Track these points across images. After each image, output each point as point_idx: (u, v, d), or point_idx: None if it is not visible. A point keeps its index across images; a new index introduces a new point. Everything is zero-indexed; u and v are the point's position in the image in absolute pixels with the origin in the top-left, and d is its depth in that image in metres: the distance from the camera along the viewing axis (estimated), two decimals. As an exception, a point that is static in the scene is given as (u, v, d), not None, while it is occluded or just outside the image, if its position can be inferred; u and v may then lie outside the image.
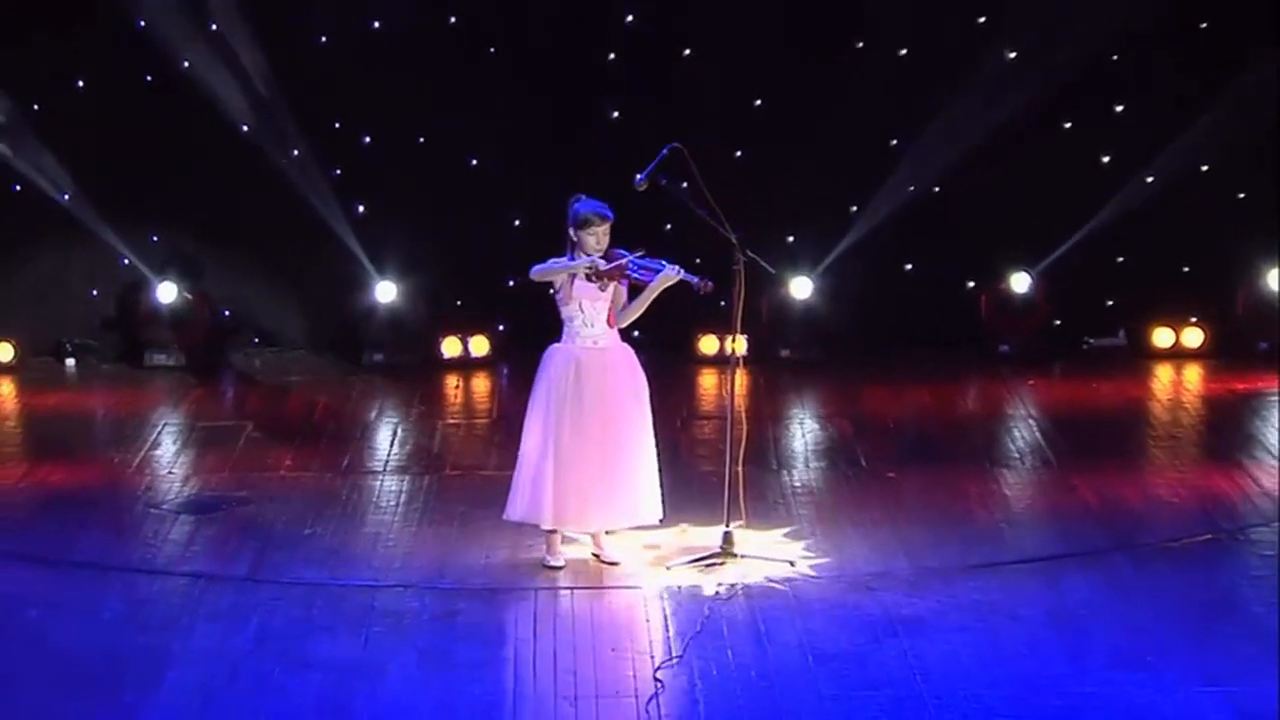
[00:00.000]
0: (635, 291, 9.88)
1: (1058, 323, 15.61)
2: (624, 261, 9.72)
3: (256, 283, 15.67)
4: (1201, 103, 14.96)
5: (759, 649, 8.78)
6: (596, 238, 9.78)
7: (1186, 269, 15.46)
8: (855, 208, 15.30)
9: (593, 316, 9.85)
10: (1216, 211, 15.19)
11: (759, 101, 15.23)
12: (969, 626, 9.01)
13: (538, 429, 9.90)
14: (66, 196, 15.17)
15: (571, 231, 9.82)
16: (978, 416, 13.80)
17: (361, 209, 15.36)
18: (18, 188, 15.19)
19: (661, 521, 10.14)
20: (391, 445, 12.95)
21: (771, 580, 9.73)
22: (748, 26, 14.99)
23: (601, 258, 9.71)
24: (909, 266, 15.58)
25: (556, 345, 9.97)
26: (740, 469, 10.09)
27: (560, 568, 9.96)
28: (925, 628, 8.99)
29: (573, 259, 9.78)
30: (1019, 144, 15.06)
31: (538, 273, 9.80)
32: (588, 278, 9.73)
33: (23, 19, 14.78)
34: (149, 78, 15.01)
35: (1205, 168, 15.20)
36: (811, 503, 11.33)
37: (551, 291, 9.88)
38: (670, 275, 9.71)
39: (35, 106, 15.11)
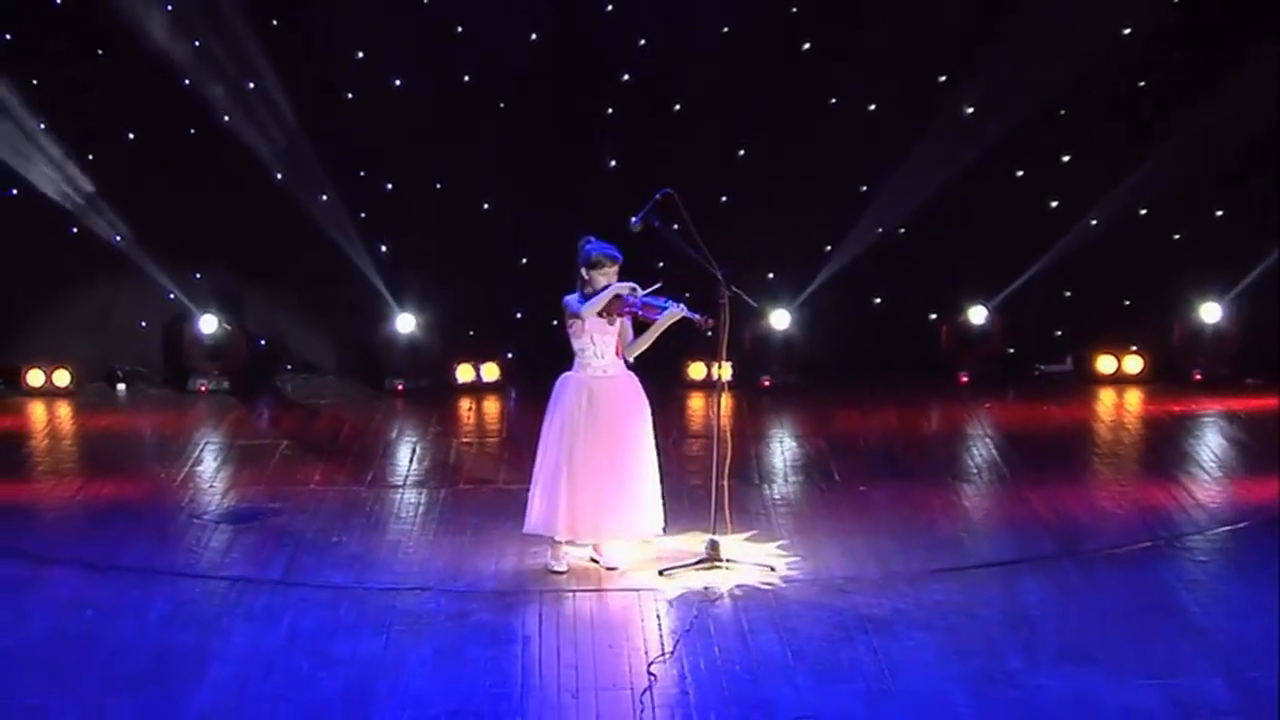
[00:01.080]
0: (640, 326, 9.90)
1: (1011, 351, 15.60)
2: (638, 298, 9.74)
3: (289, 315, 15.68)
4: (1140, 153, 14.98)
5: (742, 645, 8.77)
6: (607, 277, 9.80)
7: (1127, 302, 15.45)
8: (829, 247, 15.30)
9: (603, 348, 9.88)
10: (1154, 251, 15.20)
11: (742, 151, 15.23)
12: (932, 625, 9.01)
13: (553, 450, 9.90)
14: (119, 238, 15.18)
15: (584, 271, 9.83)
16: (940, 436, 13.78)
17: (383, 248, 15.36)
18: (75, 230, 15.20)
19: (664, 532, 10.16)
20: (411, 462, 12.93)
21: (753, 585, 9.72)
22: (732, 85, 15.01)
23: (629, 293, 9.73)
24: (877, 300, 15.58)
25: (569, 374, 9.97)
26: (725, 483, 10.07)
27: (563, 572, 9.95)
28: (893, 626, 8.98)
29: (584, 296, 9.79)
30: (976, 190, 15.06)
31: (588, 308, 9.76)
32: (599, 312, 9.74)
33: (83, 82, 14.85)
34: (192, 131, 15.02)
35: (1144, 211, 15.21)
36: (790, 514, 11.31)
37: (568, 325, 9.88)
38: (676, 313, 9.73)
39: (90, 157, 15.13)
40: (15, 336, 15.40)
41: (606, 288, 9.76)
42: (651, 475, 10.00)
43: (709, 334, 9.77)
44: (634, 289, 9.74)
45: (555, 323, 9.77)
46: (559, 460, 9.86)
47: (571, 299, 9.84)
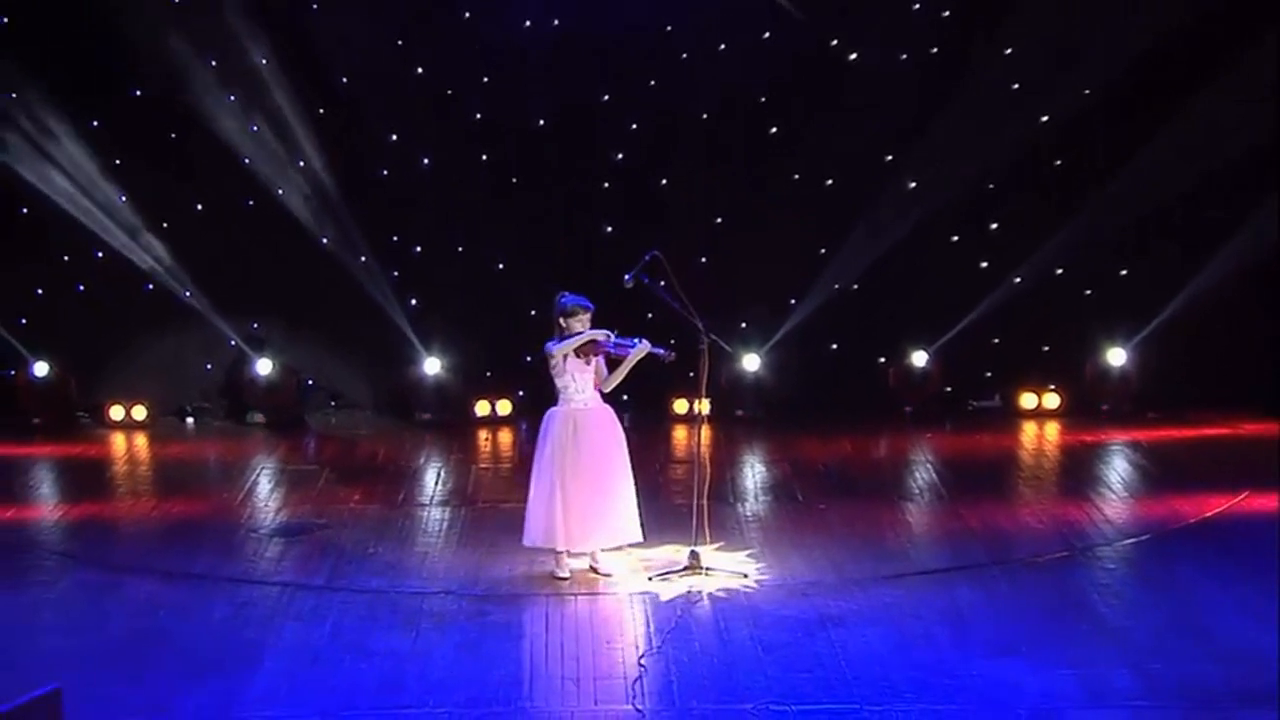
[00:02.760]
0: (614, 364, 9.91)
1: (948, 389, 15.61)
2: (610, 338, 9.77)
3: (332, 358, 15.67)
4: (1057, 222, 15.05)
5: (720, 641, 8.75)
6: (582, 323, 9.83)
7: (1046, 348, 15.47)
8: (794, 300, 15.33)
9: (583, 384, 9.87)
10: (1068, 305, 15.24)
11: (720, 219, 15.27)
12: (880, 622, 8.99)
13: (546, 474, 9.87)
14: (188, 294, 15.19)
15: (560, 320, 9.86)
16: (887, 461, 13.76)
17: (413, 302, 15.38)
18: (150, 286, 15.21)
19: (645, 541, 10.13)
20: (436, 484, 12.91)
21: (729, 588, 9.71)
22: (710, 163, 15.08)
23: (604, 339, 9.75)
24: (834, 346, 15.59)
25: (555, 409, 9.95)
26: (705, 502, 10.06)
27: (566, 579, 9.92)
28: (847, 624, 8.96)
29: (563, 339, 9.80)
30: (918, 252, 15.11)
31: (560, 347, 9.77)
32: (576, 353, 9.76)
33: (159, 161, 14.91)
34: (250, 202, 15.05)
35: (1060, 271, 15.25)
36: (760, 528, 11.29)
37: (551, 366, 9.88)
38: (643, 349, 9.72)
39: (164, 225, 15.16)
40: (99, 377, 15.39)
41: (581, 333, 9.78)
42: (630, 491, 9.97)
43: (668, 363, 9.75)
44: (608, 335, 9.75)
45: (536, 364, 9.80)
46: (553, 481, 9.83)
47: (550, 344, 9.85)
